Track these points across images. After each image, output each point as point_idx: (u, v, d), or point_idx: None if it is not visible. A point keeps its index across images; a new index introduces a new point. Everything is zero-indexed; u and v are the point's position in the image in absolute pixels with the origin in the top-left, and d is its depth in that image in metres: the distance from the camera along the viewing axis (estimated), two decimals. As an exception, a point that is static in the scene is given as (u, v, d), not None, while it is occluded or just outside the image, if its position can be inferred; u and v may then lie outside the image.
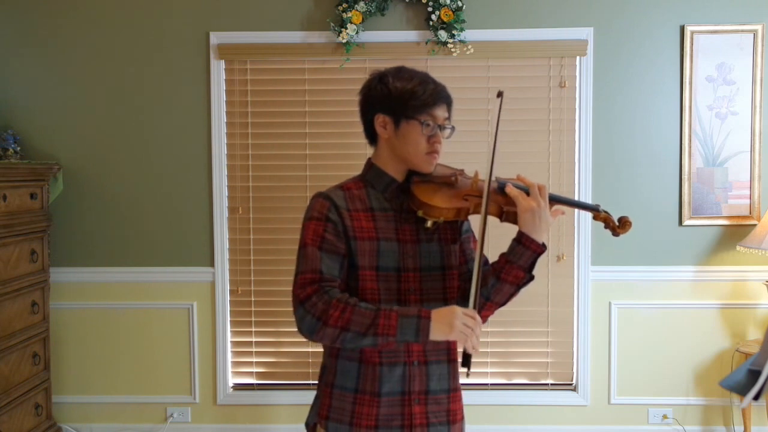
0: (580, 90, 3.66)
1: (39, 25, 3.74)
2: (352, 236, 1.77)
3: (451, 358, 1.87)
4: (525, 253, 1.78)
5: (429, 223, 1.81)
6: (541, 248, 1.78)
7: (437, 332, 1.65)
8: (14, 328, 3.34)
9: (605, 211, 1.93)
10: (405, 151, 1.81)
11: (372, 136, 1.88)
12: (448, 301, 1.86)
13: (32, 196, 3.47)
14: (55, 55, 3.75)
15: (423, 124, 1.78)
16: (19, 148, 3.63)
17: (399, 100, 1.78)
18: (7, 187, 3.26)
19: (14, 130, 3.68)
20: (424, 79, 1.82)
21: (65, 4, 3.72)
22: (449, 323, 1.64)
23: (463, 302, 1.90)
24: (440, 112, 1.81)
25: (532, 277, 1.82)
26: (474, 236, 2.00)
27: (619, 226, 1.91)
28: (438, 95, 1.80)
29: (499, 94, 1.82)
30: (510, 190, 1.78)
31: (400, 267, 1.80)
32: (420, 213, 1.79)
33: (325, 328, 1.66)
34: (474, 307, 1.70)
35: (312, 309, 1.67)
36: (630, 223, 1.90)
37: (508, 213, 1.81)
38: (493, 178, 1.85)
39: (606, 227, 1.93)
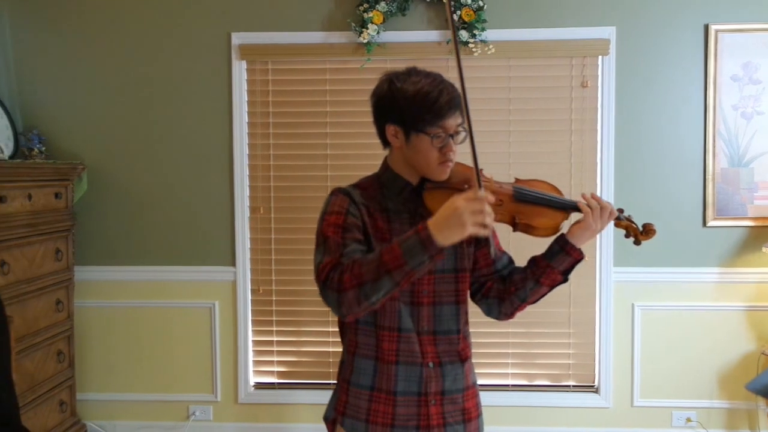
0: (602, 90, 3.63)
1: (63, 28, 3.78)
2: (369, 233, 1.76)
3: (462, 357, 1.87)
4: (566, 260, 1.81)
5: None
6: (582, 255, 1.82)
7: (448, 236, 1.51)
8: (39, 325, 3.38)
9: (627, 218, 1.87)
10: (416, 162, 1.77)
11: (385, 141, 1.84)
12: (460, 304, 1.86)
13: (57, 195, 3.52)
14: (80, 56, 3.79)
15: (433, 137, 1.71)
16: (44, 148, 3.68)
17: (408, 112, 1.71)
18: (32, 187, 3.31)
19: (39, 131, 3.73)
20: (434, 86, 1.72)
21: (89, 6, 3.76)
22: (459, 222, 1.49)
23: (486, 300, 1.92)
24: (452, 121, 1.72)
25: (567, 279, 1.85)
26: (495, 232, 1.99)
27: (642, 233, 1.85)
28: (449, 105, 1.70)
29: None
30: (583, 207, 1.78)
31: None
32: None
33: (345, 294, 1.58)
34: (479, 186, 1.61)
35: (331, 284, 1.60)
36: (654, 231, 1.85)
37: (521, 224, 1.79)
38: (493, 176, 1.83)
39: (627, 236, 1.86)
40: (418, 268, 1.54)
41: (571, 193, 3.62)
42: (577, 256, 1.81)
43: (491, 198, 1.52)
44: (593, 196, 1.79)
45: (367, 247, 1.74)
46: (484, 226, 1.50)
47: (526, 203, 1.81)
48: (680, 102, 3.62)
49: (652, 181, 3.65)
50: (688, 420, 3.70)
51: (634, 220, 1.87)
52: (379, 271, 1.54)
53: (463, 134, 1.77)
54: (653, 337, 3.70)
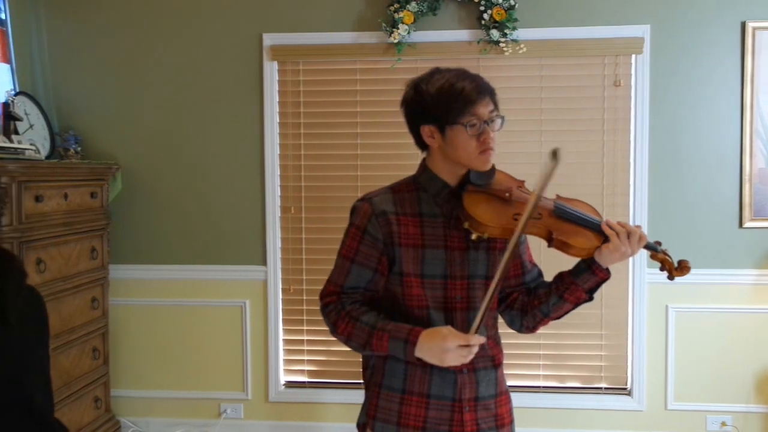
0: (636, 89, 3.58)
1: (98, 30, 3.84)
2: (397, 242, 1.76)
3: (495, 363, 1.87)
4: (592, 279, 1.80)
5: (474, 236, 1.75)
6: (608, 275, 1.80)
7: (426, 358, 1.70)
8: (75, 323, 3.44)
9: (663, 251, 1.86)
10: (457, 156, 1.74)
11: (422, 145, 1.83)
12: (490, 310, 1.86)
13: (92, 195, 3.57)
14: (114, 58, 3.85)
15: (468, 126, 1.69)
16: (80, 149, 3.74)
17: (437, 108, 1.71)
18: (68, 186, 3.36)
19: (75, 131, 3.79)
20: (459, 77, 1.72)
21: (123, 8, 3.82)
22: (439, 358, 1.68)
23: (510, 311, 1.93)
24: (483, 108, 1.70)
25: (592, 298, 1.84)
26: (528, 245, 1.98)
27: (677, 269, 1.84)
28: (476, 91, 1.70)
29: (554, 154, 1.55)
30: (606, 229, 1.75)
31: (447, 275, 1.78)
32: (466, 225, 1.74)
33: (336, 335, 1.82)
34: (476, 330, 1.69)
35: (328, 316, 1.83)
36: (689, 268, 1.84)
37: (557, 240, 1.77)
38: (551, 198, 1.83)
39: (662, 269, 1.86)
40: (395, 356, 1.77)
41: (603, 194, 3.59)
42: (603, 276, 1.79)
43: (482, 340, 1.71)
44: (619, 223, 1.77)
45: (377, 270, 1.80)
46: (460, 363, 1.70)
47: (565, 220, 1.79)
48: (716, 101, 3.56)
49: (687, 182, 3.59)
50: (723, 424, 3.63)
51: (670, 254, 1.87)
52: (364, 344, 1.77)
53: (499, 122, 1.76)
54: (687, 340, 3.64)
